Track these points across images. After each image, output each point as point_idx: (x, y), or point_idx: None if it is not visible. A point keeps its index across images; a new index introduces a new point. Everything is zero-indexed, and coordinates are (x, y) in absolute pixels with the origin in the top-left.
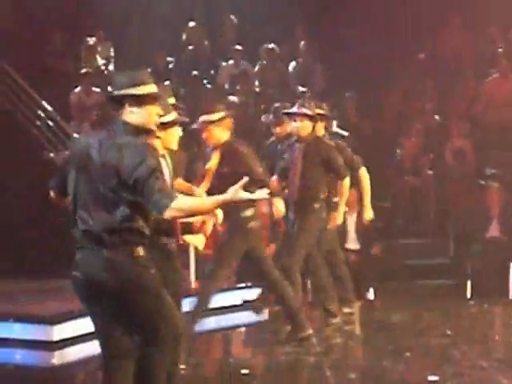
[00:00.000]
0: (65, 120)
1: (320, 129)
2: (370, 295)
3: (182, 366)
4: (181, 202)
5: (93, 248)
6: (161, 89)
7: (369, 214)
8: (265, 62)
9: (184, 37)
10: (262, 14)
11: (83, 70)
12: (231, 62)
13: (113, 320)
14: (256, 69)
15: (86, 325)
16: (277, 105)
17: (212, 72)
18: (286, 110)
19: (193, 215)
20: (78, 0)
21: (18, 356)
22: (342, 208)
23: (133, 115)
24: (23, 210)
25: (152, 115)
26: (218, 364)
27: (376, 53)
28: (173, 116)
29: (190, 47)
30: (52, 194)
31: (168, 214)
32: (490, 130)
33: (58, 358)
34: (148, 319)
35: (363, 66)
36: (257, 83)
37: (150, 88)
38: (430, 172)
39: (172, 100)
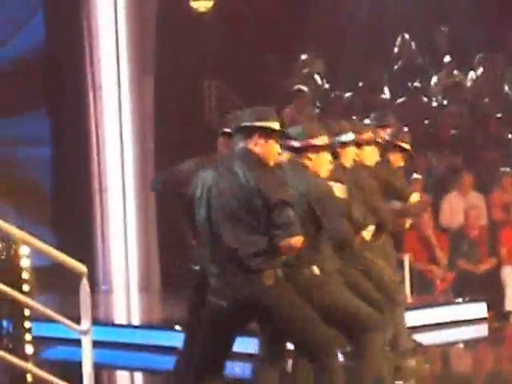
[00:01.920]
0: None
1: None
2: None
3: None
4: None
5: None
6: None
7: None
8: (479, 72)
9: (396, 49)
10: (474, 22)
11: (296, 87)
12: (444, 72)
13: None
14: (470, 79)
15: None
16: None
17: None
18: None
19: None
20: (290, 20)
21: (237, 368)
22: None
23: (258, 147)
24: None
25: (274, 150)
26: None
27: None
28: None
29: (402, 60)
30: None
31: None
32: None
33: None
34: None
35: None
36: (471, 94)
37: (276, 125)
38: None
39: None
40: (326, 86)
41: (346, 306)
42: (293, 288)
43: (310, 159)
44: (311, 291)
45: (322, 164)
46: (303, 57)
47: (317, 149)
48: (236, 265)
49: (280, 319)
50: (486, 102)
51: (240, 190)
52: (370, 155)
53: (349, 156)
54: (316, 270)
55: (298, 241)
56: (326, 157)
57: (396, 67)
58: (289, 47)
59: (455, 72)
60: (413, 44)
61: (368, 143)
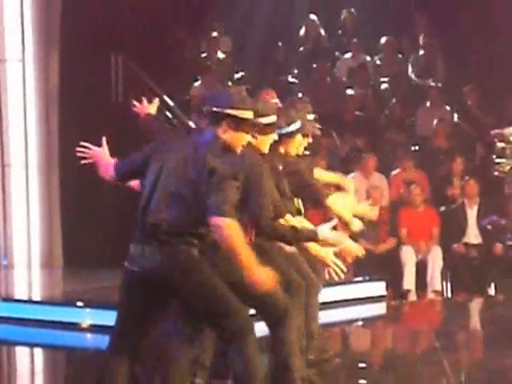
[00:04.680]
0: (185, 114)
1: None
2: (491, 291)
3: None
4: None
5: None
6: (301, 104)
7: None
8: (383, 55)
9: (303, 30)
10: (382, 6)
11: (205, 63)
12: (349, 54)
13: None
14: (374, 62)
15: None
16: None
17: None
18: None
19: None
20: None
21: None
22: None
23: (227, 135)
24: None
25: (243, 139)
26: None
27: (502, 42)
28: (296, 126)
29: (309, 41)
30: (113, 174)
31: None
32: None
33: None
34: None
35: (488, 56)
36: (376, 77)
37: (249, 114)
38: None
39: (311, 116)
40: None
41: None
42: (207, 266)
43: (256, 137)
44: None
45: (266, 143)
46: (213, 34)
47: (265, 129)
48: (153, 234)
49: (189, 297)
50: (390, 84)
51: (190, 163)
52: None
53: (295, 145)
54: None
55: (226, 224)
56: (272, 137)
57: (302, 49)
58: (198, 23)
59: (360, 55)
60: (319, 26)
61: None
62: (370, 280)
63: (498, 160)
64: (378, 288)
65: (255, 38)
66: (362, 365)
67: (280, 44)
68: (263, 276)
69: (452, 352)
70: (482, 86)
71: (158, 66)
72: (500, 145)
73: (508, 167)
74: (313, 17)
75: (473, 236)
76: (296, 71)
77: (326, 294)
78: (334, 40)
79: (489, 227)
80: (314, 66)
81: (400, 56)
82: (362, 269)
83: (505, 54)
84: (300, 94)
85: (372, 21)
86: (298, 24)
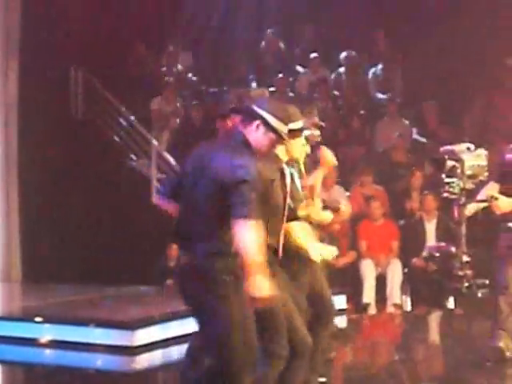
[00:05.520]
0: (146, 128)
1: None
2: (450, 304)
3: None
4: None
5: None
6: (308, 110)
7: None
8: (344, 69)
9: (263, 44)
10: (341, 20)
11: (165, 79)
12: (309, 69)
13: None
14: (335, 75)
15: (166, 330)
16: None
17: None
18: None
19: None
20: (160, 10)
21: (99, 361)
22: None
23: (255, 135)
24: (103, 216)
25: (269, 145)
26: None
27: (460, 58)
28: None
29: (269, 55)
30: (158, 199)
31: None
32: None
33: (138, 363)
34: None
35: (445, 73)
36: (336, 90)
37: (296, 125)
38: None
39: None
40: (194, 78)
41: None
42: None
43: (286, 143)
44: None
45: (296, 147)
46: (171, 48)
47: (295, 133)
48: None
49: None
50: (350, 99)
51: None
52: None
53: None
54: None
55: (249, 225)
56: (301, 140)
57: (263, 62)
58: (158, 38)
59: (321, 69)
60: (279, 40)
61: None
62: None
63: (447, 180)
64: (339, 301)
65: (215, 52)
66: (321, 379)
67: (240, 58)
68: (264, 290)
69: (411, 365)
70: (439, 101)
71: (118, 80)
72: (450, 163)
73: (458, 188)
74: (272, 30)
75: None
76: (256, 85)
77: None
78: (294, 54)
79: (436, 254)
80: (275, 79)
81: (360, 70)
82: None
83: (461, 69)
84: None
85: (332, 35)
86: (258, 38)
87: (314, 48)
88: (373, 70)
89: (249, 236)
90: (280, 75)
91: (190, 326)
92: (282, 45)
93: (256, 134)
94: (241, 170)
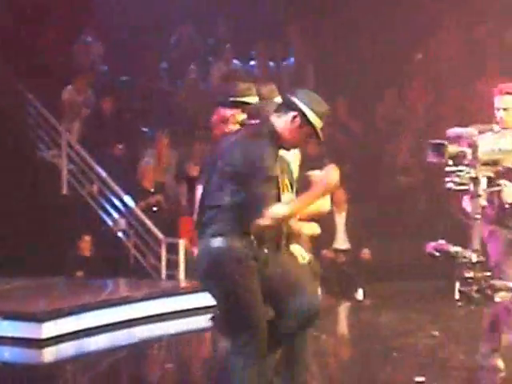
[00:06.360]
0: (56, 118)
1: None
2: (359, 296)
3: (169, 365)
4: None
5: None
6: (268, 89)
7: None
8: (256, 62)
9: (175, 37)
10: (255, 14)
11: (76, 68)
12: (221, 60)
13: None
14: (247, 68)
15: (74, 322)
16: None
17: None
18: None
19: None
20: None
21: (7, 353)
22: None
23: (288, 127)
24: (12, 207)
25: (300, 139)
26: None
27: (370, 53)
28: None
29: (182, 47)
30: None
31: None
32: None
33: (47, 355)
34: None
35: (356, 66)
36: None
37: (318, 122)
38: (420, 173)
39: (279, 99)
40: (105, 68)
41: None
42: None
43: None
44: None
45: None
46: (85, 39)
47: None
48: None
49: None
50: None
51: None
52: None
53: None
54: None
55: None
56: None
57: (175, 54)
58: (69, 27)
59: (233, 60)
60: (192, 31)
61: None
62: None
63: (451, 168)
64: None
65: (127, 42)
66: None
67: (153, 49)
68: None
69: (319, 356)
70: (350, 96)
71: (29, 70)
72: (454, 149)
73: (467, 176)
74: (185, 22)
75: (341, 241)
76: (169, 77)
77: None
78: (207, 45)
79: (436, 254)
80: (188, 70)
81: (272, 63)
82: None
83: (372, 65)
84: (173, 100)
85: (245, 27)
86: (170, 29)
87: (226, 40)
88: (285, 63)
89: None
90: (192, 66)
91: (100, 318)
92: (194, 35)
93: (290, 126)
94: (258, 161)
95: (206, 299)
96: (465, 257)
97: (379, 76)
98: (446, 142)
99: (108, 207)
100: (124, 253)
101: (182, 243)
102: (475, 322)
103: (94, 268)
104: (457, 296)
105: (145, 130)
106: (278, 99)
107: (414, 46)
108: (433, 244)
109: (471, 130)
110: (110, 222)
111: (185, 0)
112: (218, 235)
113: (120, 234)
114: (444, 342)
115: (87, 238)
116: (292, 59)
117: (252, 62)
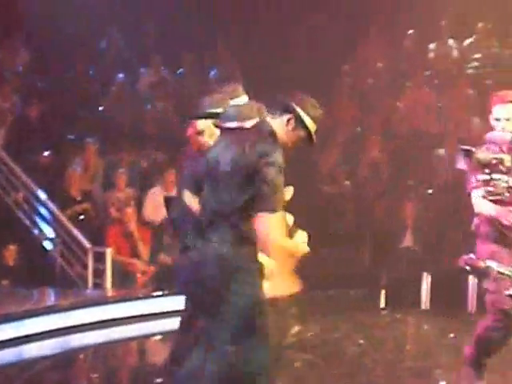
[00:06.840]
0: None
1: None
2: None
3: (95, 375)
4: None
5: None
6: (232, 88)
7: None
8: (185, 70)
9: (103, 44)
10: (183, 22)
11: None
12: (151, 69)
13: None
14: (176, 76)
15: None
16: None
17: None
18: None
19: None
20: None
21: None
22: None
23: (285, 129)
24: None
25: (293, 141)
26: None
27: (299, 64)
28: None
29: (110, 54)
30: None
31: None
32: (405, 143)
33: None
34: None
35: (285, 76)
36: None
37: (312, 125)
38: (347, 182)
39: (244, 98)
40: (31, 75)
41: None
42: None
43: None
44: None
45: None
46: (11, 45)
47: None
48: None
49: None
50: (192, 99)
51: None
52: None
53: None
54: None
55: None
56: None
57: (103, 61)
58: None
59: (162, 68)
60: (121, 39)
61: None
62: (170, 294)
63: (484, 177)
64: (178, 302)
65: (54, 49)
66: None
67: (80, 56)
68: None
69: None
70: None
71: None
72: (485, 156)
73: (505, 185)
74: (113, 29)
75: None
76: (97, 84)
77: (126, 309)
78: (136, 53)
79: (467, 268)
80: (115, 78)
81: (200, 72)
82: (163, 283)
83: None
84: (101, 108)
85: (174, 36)
86: (99, 36)
87: (155, 48)
88: (213, 72)
89: (272, 233)
90: (120, 75)
91: (25, 327)
92: (122, 43)
93: (285, 128)
94: (266, 156)
95: (132, 308)
96: (502, 273)
97: (307, 86)
98: (473, 149)
99: (33, 215)
100: (50, 261)
101: (108, 252)
102: (400, 330)
103: (20, 277)
104: (382, 304)
105: (72, 137)
106: (244, 98)
107: (341, 57)
108: (465, 257)
109: (504, 135)
110: (35, 231)
111: (113, 6)
112: (226, 241)
113: (46, 243)
114: (369, 350)
115: (12, 246)
116: (220, 68)
117: (180, 70)
